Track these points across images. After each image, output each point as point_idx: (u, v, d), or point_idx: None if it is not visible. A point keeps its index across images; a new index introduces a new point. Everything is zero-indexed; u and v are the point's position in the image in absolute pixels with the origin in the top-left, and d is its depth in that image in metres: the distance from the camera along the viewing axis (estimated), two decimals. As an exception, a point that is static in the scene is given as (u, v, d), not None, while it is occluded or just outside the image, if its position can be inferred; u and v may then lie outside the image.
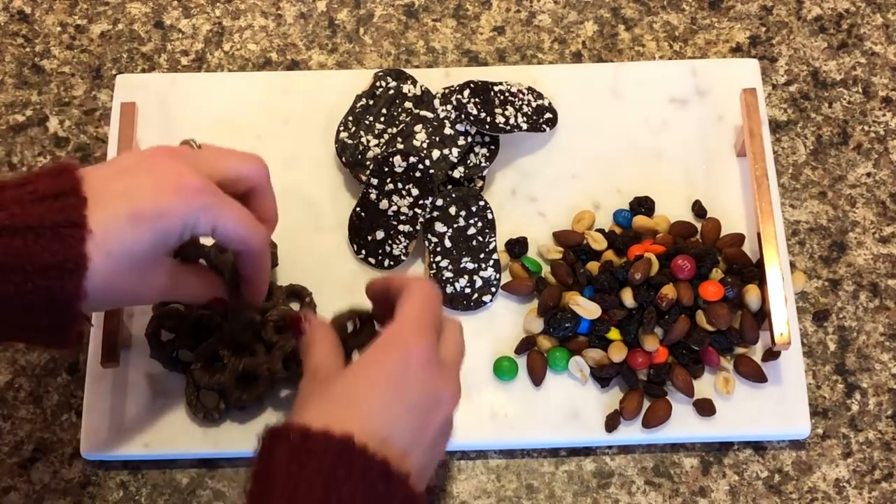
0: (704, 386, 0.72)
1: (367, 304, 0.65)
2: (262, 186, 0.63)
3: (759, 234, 0.72)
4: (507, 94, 0.77)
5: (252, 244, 0.61)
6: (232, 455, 0.70)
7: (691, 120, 0.79)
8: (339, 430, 0.52)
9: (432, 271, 0.73)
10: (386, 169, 0.73)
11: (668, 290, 0.70)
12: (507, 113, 0.76)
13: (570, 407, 0.71)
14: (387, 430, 0.53)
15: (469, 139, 0.75)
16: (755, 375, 0.71)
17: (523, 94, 0.78)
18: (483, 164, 0.76)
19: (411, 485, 0.53)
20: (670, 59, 0.83)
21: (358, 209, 0.74)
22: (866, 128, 0.81)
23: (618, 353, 0.71)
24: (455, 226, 0.74)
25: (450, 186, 0.75)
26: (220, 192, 0.59)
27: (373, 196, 0.73)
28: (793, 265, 0.76)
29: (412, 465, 0.54)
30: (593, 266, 0.73)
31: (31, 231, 0.53)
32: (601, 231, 0.75)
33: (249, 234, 0.60)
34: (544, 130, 0.78)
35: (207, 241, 0.64)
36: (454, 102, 0.75)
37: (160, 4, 0.85)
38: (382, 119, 0.76)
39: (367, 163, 0.75)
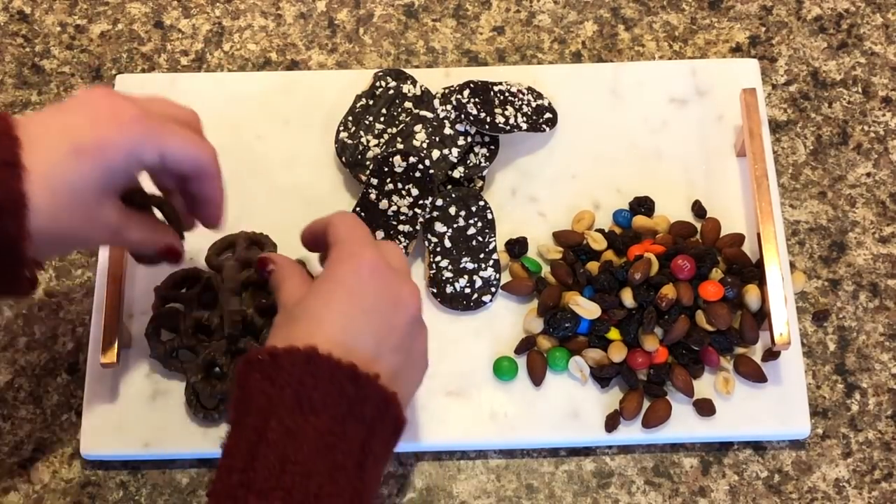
0: (704, 386, 0.72)
1: None
2: (213, 171, 0.62)
3: (758, 234, 0.72)
4: (506, 94, 0.77)
5: (204, 161, 0.60)
6: (232, 455, 0.70)
7: (691, 120, 0.79)
8: (303, 344, 0.53)
9: (432, 271, 0.73)
10: (386, 169, 0.73)
11: (668, 290, 0.70)
12: (506, 113, 0.76)
13: (570, 407, 0.71)
14: (349, 337, 0.55)
15: (469, 139, 0.75)
16: (755, 375, 0.71)
17: (523, 94, 0.78)
18: (483, 164, 0.76)
19: (382, 385, 0.54)
20: (670, 59, 0.83)
21: (358, 209, 0.74)
22: (866, 128, 0.81)
23: (618, 353, 0.71)
24: (455, 226, 0.74)
25: (450, 186, 0.75)
26: (160, 117, 0.58)
27: (373, 196, 0.73)
28: (793, 265, 0.76)
29: (382, 368, 0.55)
30: (593, 266, 0.73)
31: None
32: (601, 231, 0.75)
33: (200, 152, 0.60)
34: (544, 130, 0.78)
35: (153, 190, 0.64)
36: (454, 102, 0.75)
37: (160, 4, 0.85)
38: (382, 119, 0.76)
39: (367, 163, 0.75)
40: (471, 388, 0.72)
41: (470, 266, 0.73)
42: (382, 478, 0.59)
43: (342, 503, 0.52)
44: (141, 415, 0.70)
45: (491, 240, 0.74)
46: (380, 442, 0.55)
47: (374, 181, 0.73)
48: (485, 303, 0.73)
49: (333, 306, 0.56)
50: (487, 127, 0.75)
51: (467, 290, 0.73)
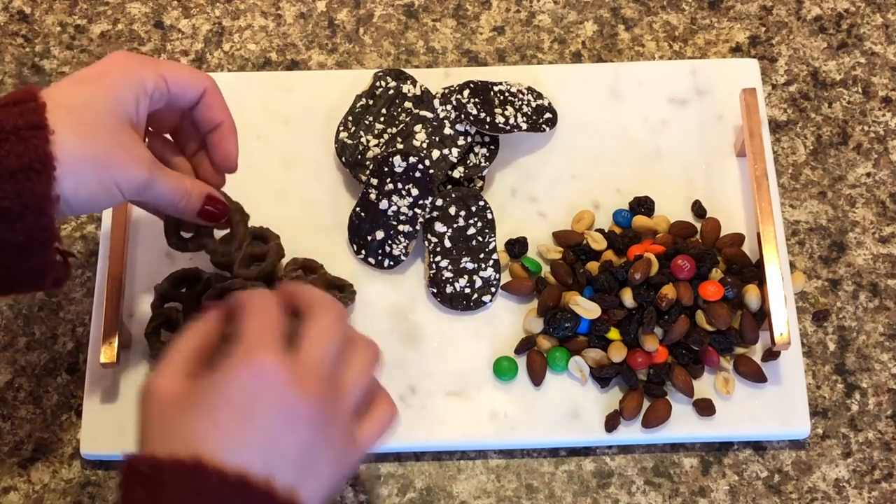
0: (704, 386, 0.72)
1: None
2: (214, 89, 0.64)
3: (758, 234, 0.72)
4: (506, 94, 0.77)
5: (209, 83, 0.63)
6: (232, 455, 0.70)
7: (691, 120, 0.79)
8: (186, 455, 0.49)
9: (432, 271, 0.73)
10: (386, 169, 0.73)
11: (668, 290, 0.70)
12: (506, 113, 0.76)
13: (570, 407, 0.71)
14: (234, 451, 0.50)
15: (469, 139, 0.75)
16: (755, 375, 0.71)
17: (523, 94, 0.78)
18: (483, 164, 0.76)
19: (277, 493, 0.50)
20: (670, 59, 0.83)
21: (358, 209, 0.74)
22: (866, 128, 0.81)
23: (618, 353, 0.71)
24: (455, 226, 0.74)
25: (450, 186, 0.75)
26: (158, 60, 0.62)
27: (373, 196, 0.73)
28: (793, 265, 0.76)
29: (277, 481, 0.50)
30: (593, 266, 0.73)
31: None
32: (601, 231, 0.75)
33: (200, 76, 0.63)
34: (544, 130, 0.78)
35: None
36: (454, 102, 0.75)
37: (160, 4, 0.85)
38: (382, 119, 0.76)
39: (367, 163, 0.75)
40: (471, 388, 0.72)
41: (470, 266, 0.73)
42: None
43: None
44: (141, 415, 0.70)
45: (491, 240, 0.74)
46: None
47: (374, 181, 0.73)
48: (485, 303, 0.73)
49: (215, 414, 0.51)
50: (487, 127, 0.75)
51: (467, 290, 0.73)
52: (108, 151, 0.57)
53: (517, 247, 0.75)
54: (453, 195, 0.75)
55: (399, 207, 0.73)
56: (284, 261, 0.72)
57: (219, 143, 0.65)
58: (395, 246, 0.73)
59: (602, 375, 0.71)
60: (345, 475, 0.55)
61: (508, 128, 0.76)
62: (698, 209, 0.76)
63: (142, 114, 0.61)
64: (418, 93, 0.77)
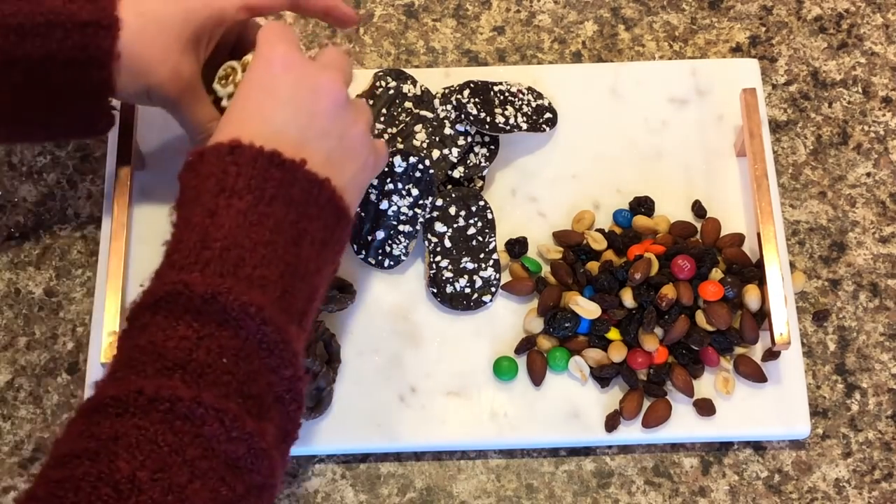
0: (704, 386, 0.72)
1: None
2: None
3: (758, 234, 0.72)
4: (506, 94, 0.77)
5: None
6: (232, 455, 0.71)
7: (691, 120, 0.79)
8: (226, 139, 0.56)
9: (432, 271, 0.73)
10: (386, 169, 0.73)
11: (668, 290, 0.70)
12: (506, 113, 0.76)
13: (570, 407, 0.71)
14: (271, 128, 0.57)
15: (469, 139, 0.75)
16: (755, 375, 0.71)
17: (523, 94, 0.78)
18: (483, 164, 0.76)
19: (309, 169, 0.56)
20: (670, 59, 0.83)
21: (358, 209, 0.74)
22: (866, 128, 0.81)
23: (618, 353, 0.71)
24: (455, 226, 0.74)
25: (450, 186, 0.75)
26: None
27: (373, 196, 0.73)
28: (793, 265, 0.76)
29: (310, 154, 0.57)
30: (593, 266, 0.73)
31: None
32: (601, 231, 0.75)
33: None
34: (544, 130, 0.78)
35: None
36: (454, 102, 0.75)
37: (160, 4, 0.85)
38: (382, 119, 0.76)
39: (367, 163, 0.75)
40: (471, 388, 0.72)
41: (470, 266, 0.73)
42: (335, 269, 0.60)
43: (270, 273, 0.53)
44: (141, 415, 0.70)
45: (491, 240, 0.74)
46: (317, 226, 0.56)
47: (374, 181, 0.73)
48: (485, 303, 0.73)
49: (251, 104, 0.58)
50: (487, 127, 0.75)
51: (467, 290, 0.73)
52: (157, 61, 0.63)
53: (517, 247, 0.75)
54: (453, 195, 0.75)
55: (399, 207, 0.73)
56: None
57: (330, 17, 0.69)
58: (395, 246, 0.73)
59: (602, 375, 0.71)
60: (373, 172, 0.64)
61: (508, 128, 0.76)
62: (698, 209, 0.76)
63: (213, 37, 0.65)
64: (418, 93, 0.77)
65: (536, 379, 0.71)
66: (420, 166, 0.72)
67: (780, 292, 0.70)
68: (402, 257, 0.74)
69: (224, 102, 0.66)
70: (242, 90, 0.59)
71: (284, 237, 0.54)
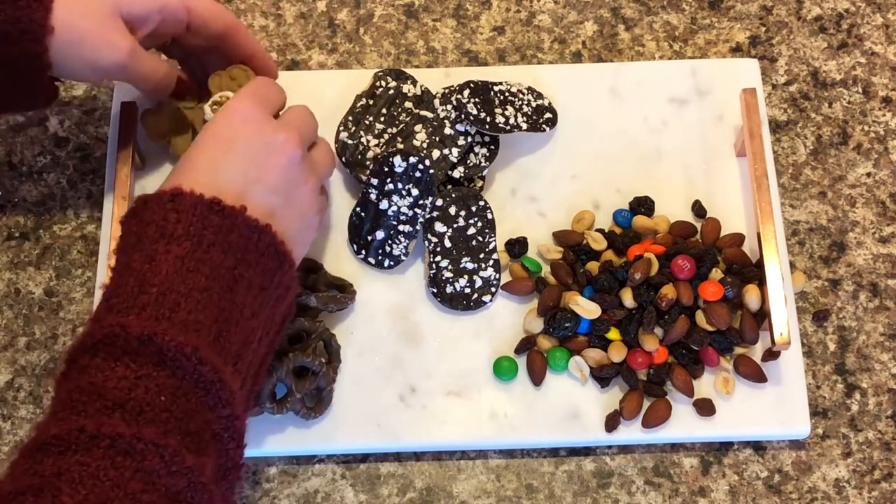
0: (704, 386, 0.72)
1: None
2: (238, 27, 0.70)
3: (759, 234, 0.72)
4: (507, 94, 0.77)
5: (229, 19, 0.69)
6: (232, 455, 0.71)
7: (691, 120, 0.79)
8: (169, 187, 0.57)
9: (432, 271, 0.73)
10: (386, 169, 0.73)
11: (668, 290, 0.70)
12: (507, 113, 0.76)
13: (570, 407, 0.71)
14: (216, 178, 0.58)
15: (469, 139, 0.75)
16: (755, 375, 0.71)
17: (523, 94, 0.78)
18: (483, 164, 0.76)
19: (250, 216, 0.57)
20: (670, 59, 0.83)
21: (358, 209, 0.74)
22: (866, 128, 0.81)
23: (618, 353, 0.71)
24: (455, 226, 0.74)
25: (450, 186, 0.75)
26: None
27: (373, 196, 0.73)
28: (793, 265, 0.76)
29: (253, 204, 0.58)
30: (593, 266, 0.73)
31: None
32: (601, 231, 0.75)
33: (223, 14, 0.68)
34: (544, 130, 0.78)
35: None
36: (454, 102, 0.75)
37: (160, 4, 0.85)
38: (382, 119, 0.76)
39: (367, 163, 0.75)
40: (471, 388, 0.72)
41: (470, 266, 0.73)
42: (287, 311, 0.61)
43: (204, 318, 0.54)
44: (141, 415, 0.70)
45: (491, 240, 0.74)
46: (255, 271, 0.57)
47: (374, 181, 0.73)
48: (485, 303, 0.73)
49: (203, 152, 0.60)
50: (487, 127, 0.75)
51: (467, 290, 0.73)
52: (93, 34, 0.64)
53: (517, 247, 0.75)
54: (453, 195, 0.75)
55: (399, 207, 0.73)
56: None
57: (252, 63, 0.71)
58: (395, 246, 0.73)
59: (602, 375, 0.71)
60: (317, 229, 0.66)
61: (508, 128, 0.76)
62: (698, 209, 0.76)
63: (148, 23, 0.66)
64: (418, 93, 0.77)
65: (536, 379, 0.71)
66: (420, 166, 0.72)
67: (780, 292, 0.70)
68: (402, 257, 0.74)
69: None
70: (198, 140, 0.61)
71: (220, 283, 0.55)
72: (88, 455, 0.49)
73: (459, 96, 0.76)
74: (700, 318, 0.71)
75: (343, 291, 0.72)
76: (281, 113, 0.66)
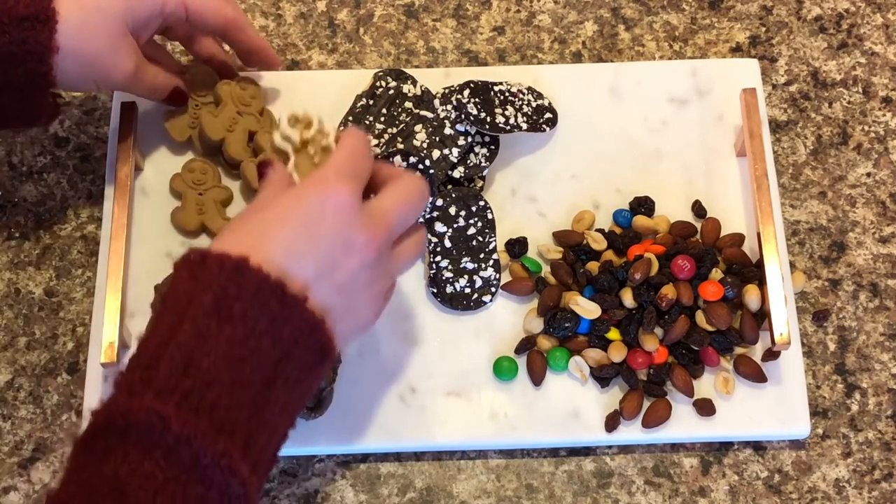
0: (704, 386, 0.72)
1: None
2: (239, 22, 0.70)
3: (759, 234, 0.72)
4: (507, 94, 0.77)
5: (229, 13, 0.69)
6: (232, 455, 0.71)
7: (691, 120, 0.79)
8: (237, 252, 0.53)
9: (432, 271, 0.73)
10: (386, 169, 0.73)
11: (668, 290, 0.70)
12: (507, 113, 0.76)
13: (570, 407, 0.71)
14: (287, 260, 0.54)
15: (469, 139, 0.75)
16: (755, 375, 0.71)
17: (523, 94, 0.78)
18: (483, 164, 0.76)
19: (309, 308, 0.53)
20: (670, 59, 0.83)
21: (358, 209, 0.74)
22: (866, 128, 0.81)
23: (618, 353, 0.71)
24: (455, 226, 0.74)
25: (450, 186, 0.75)
26: None
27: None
28: (793, 265, 0.76)
29: (314, 297, 0.54)
30: (593, 266, 0.73)
31: None
32: (601, 231, 0.75)
33: (221, 10, 0.68)
34: (544, 130, 0.78)
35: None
36: (454, 102, 0.75)
37: (160, 4, 0.85)
38: (382, 119, 0.76)
39: (367, 163, 0.75)
40: (471, 388, 0.72)
41: (470, 266, 0.73)
42: (302, 407, 0.58)
43: (240, 416, 0.51)
44: (141, 415, 0.70)
45: (491, 240, 0.74)
46: (297, 366, 0.54)
47: (374, 181, 0.73)
48: (485, 303, 0.73)
49: (285, 227, 0.55)
50: (487, 127, 0.75)
51: (467, 290, 0.73)
52: (101, 54, 0.65)
53: (517, 247, 0.75)
54: (453, 195, 0.75)
55: (399, 207, 0.73)
56: None
57: (253, 56, 0.73)
58: (395, 246, 0.73)
59: (602, 375, 0.71)
60: (370, 328, 0.61)
61: (508, 128, 0.76)
62: (698, 209, 0.76)
63: (151, 28, 0.68)
64: (418, 93, 0.77)
65: (536, 379, 0.71)
66: (420, 166, 0.72)
67: (780, 292, 0.70)
68: (402, 257, 0.74)
69: (279, 145, 0.64)
70: (280, 203, 0.56)
71: (261, 377, 0.52)
72: None
73: (459, 96, 0.76)
74: (700, 318, 0.71)
75: None
76: (379, 192, 0.61)
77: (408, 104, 0.77)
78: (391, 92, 0.77)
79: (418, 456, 0.71)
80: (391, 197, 0.60)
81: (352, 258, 0.56)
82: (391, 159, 0.72)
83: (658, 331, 0.71)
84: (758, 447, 0.72)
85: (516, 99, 0.77)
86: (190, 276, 0.53)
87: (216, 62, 0.76)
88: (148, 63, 0.70)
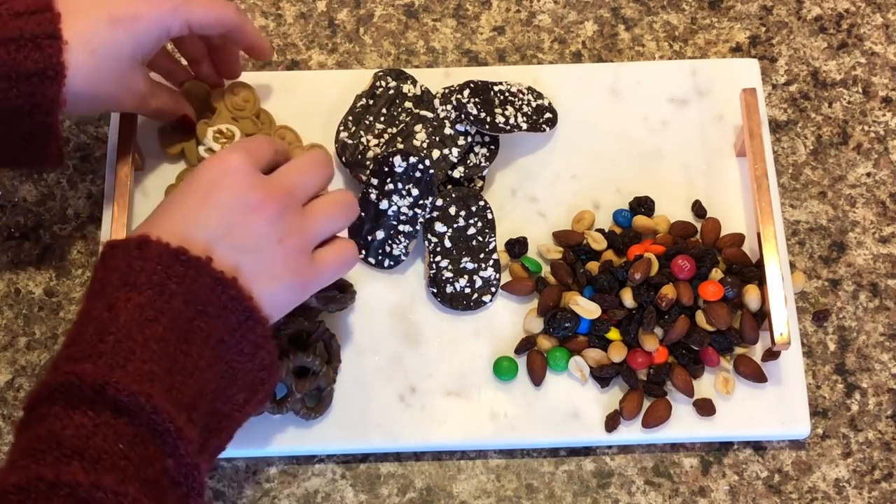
0: (704, 386, 0.72)
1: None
2: (239, 25, 0.70)
3: (759, 234, 0.72)
4: (507, 93, 0.77)
5: (228, 19, 0.69)
6: (231, 455, 0.71)
7: (691, 120, 0.79)
8: (137, 234, 0.57)
9: (432, 271, 0.73)
10: (386, 169, 0.73)
11: (668, 290, 0.70)
12: (507, 113, 0.76)
13: (570, 407, 0.71)
14: (186, 228, 0.58)
15: (469, 139, 0.75)
16: (755, 375, 0.71)
17: (523, 93, 0.78)
18: (483, 164, 0.76)
19: (215, 268, 0.56)
20: (670, 59, 0.83)
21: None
22: (866, 128, 0.81)
23: (618, 353, 0.71)
24: (455, 226, 0.74)
25: (450, 186, 0.75)
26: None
27: (373, 196, 0.73)
28: (793, 265, 0.76)
29: (218, 257, 0.57)
30: (593, 266, 0.73)
31: (12, 42, 0.61)
32: (601, 231, 0.75)
33: (222, 13, 0.69)
34: (544, 130, 0.78)
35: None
36: (454, 102, 0.75)
37: (160, 4, 0.85)
38: (382, 119, 0.76)
39: (367, 163, 0.75)
40: (471, 388, 0.72)
41: (470, 266, 0.73)
42: (251, 378, 0.59)
43: (158, 368, 0.53)
44: (141, 415, 0.70)
45: (491, 240, 0.74)
46: (216, 324, 0.56)
47: (374, 181, 0.73)
48: (485, 303, 0.73)
49: (180, 201, 0.59)
50: (487, 127, 0.75)
51: (467, 290, 0.73)
52: (113, 93, 0.66)
53: (517, 247, 0.75)
54: (453, 195, 0.75)
55: (399, 207, 0.73)
56: None
57: (250, 51, 0.74)
58: (395, 246, 0.73)
59: (602, 375, 0.71)
60: (300, 293, 0.62)
61: (508, 128, 0.76)
62: (698, 209, 0.76)
63: (156, 49, 0.68)
64: (418, 93, 0.77)
65: (536, 379, 0.71)
66: (420, 166, 0.72)
67: (780, 292, 0.70)
68: (402, 257, 0.74)
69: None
70: (181, 186, 0.60)
71: (177, 333, 0.55)
72: None
73: (459, 96, 0.76)
74: (700, 318, 0.71)
75: (343, 291, 0.72)
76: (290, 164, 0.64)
77: (408, 104, 0.77)
78: (391, 92, 0.77)
79: (418, 456, 0.71)
80: (290, 164, 0.63)
81: (251, 216, 0.59)
82: (391, 159, 0.72)
83: (658, 331, 0.71)
84: (758, 447, 0.72)
85: (516, 99, 0.77)
86: (102, 266, 0.57)
87: (256, 51, 0.75)
88: (155, 89, 0.70)
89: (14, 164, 0.71)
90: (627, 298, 0.71)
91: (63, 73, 0.62)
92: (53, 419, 0.51)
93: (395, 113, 0.77)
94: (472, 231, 0.74)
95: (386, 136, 0.76)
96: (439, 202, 0.74)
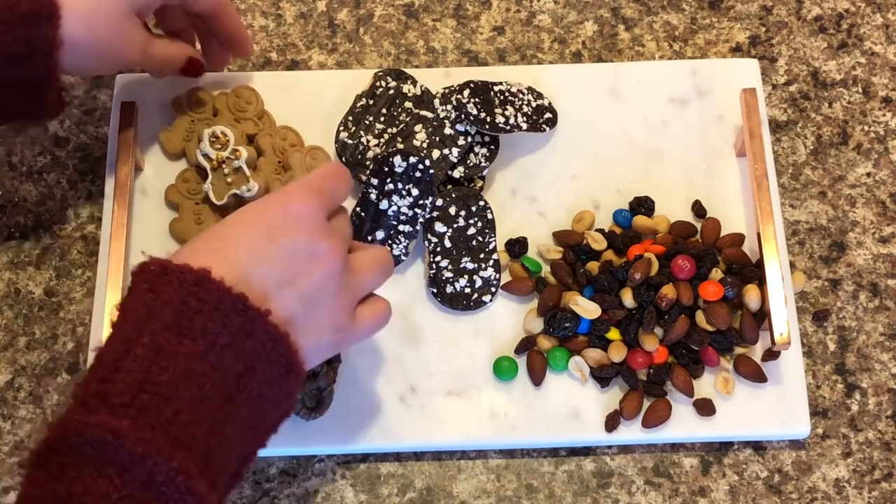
0: (704, 386, 0.72)
1: None
2: (226, 6, 0.71)
3: (758, 234, 0.72)
4: (507, 93, 0.77)
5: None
6: (232, 455, 0.71)
7: (691, 120, 0.79)
8: (197, 264, 0.52)
9: (432, 271, 0.73)
10: (386, 169, 0.73)
11: (668, 290, 0.70)
12: (507, 113, 0.76)
13: (570, 407, 0.71)
14: (249, 268, 0.54)
15: (469, 139, 0.75)
16: (755, 375, 0.71)
17: (523, 93, 0.78)
18: (483, 164, 0.76)
19: (272, 322, 0.53)
20: (670, 59, 0.83)
21: (358, 209, 0.74)
22: (866, 128, 0.81)
23: (618, 353, 0.71)
24: (455, 226, 0.74)
25: (450, 186, 0.75)
26: None
27: (373, 196, 0.73)
28: (793, 265, 0.76)
29: (277, 307, 0.54)
30: (593, 266, 0.73)
31: None
32: (601, 231, 0.75)
33: None
34: (544, 130, 0.78)
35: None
36: (454, 102, 0.75)
37: (160, 4, 0.85)
38: (382, 119, 0.76)
39: (367, 163, 0.75)
40: (471, 388, 0.72)
41: (470, 266, 0.73)
42: (275, 428, 0.57)
43: (198, 431, 0.50)
44: (141, 415, 0.70)
45: (491, 240, 0.74)
46: (261, 381, 0.53)
47: (374, 181, 0.73)
48: (485, 303, 0.73)
49: (246, 237, 0.55)
50: (487, 127, 0.75)
51: (467, 290, 0.73)
52: (111, 41, 0.66)
53: (517, 247, 0.75)
54: (453, 195, 0.75)
55: (399, 207, 0.73)
56: None
57: (231, 42, 0.74)
58: (395, 246, 0.73)
59: (602, 375, 0.71)
60: (336, 348, 0.60)
61: (508, 128, 0.76)
62: (698, 209, 0.76)
63: (152, 8, 0.69)
64: (418, 93, 0.77)
65: (536, 379, 0.71)
66: (420, 166, 0.72)
67: (780, 292, 0.70)
68: (402, 257, 0.74)
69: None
70: (241, 216, 0.57)
71: (222, 392, 0.51)
72: None
73: (459, 96, 0.76)
74: (700, 318, 0.71)
75: None
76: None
77: (408, 104, 0.77)
78: (391, 92, 0.77)
79: (418, 456, 0.71)
80: (345, 219, 0.61)
81: (314, 266, 0.56)
82: (391, 159, 0.72)
83: (658, 331, 0.71)
84: (758, 447, 0.72)
85: (516, 99, 0.77)
86: (150, 287, 0.52)
87: (237, 41, 0.75)
88: (155, 38, 0.71)
89: (15, 116, 0.69)
90: (627, 298, 0.71)
91: (58, 14, 0.62)
92: (75, 478, 0.47)
93: (395, 113, 0.77)
94: (472, 231, 0.74)
95: (386, 136, 0.76)
96: (439, 202, 0.74)
